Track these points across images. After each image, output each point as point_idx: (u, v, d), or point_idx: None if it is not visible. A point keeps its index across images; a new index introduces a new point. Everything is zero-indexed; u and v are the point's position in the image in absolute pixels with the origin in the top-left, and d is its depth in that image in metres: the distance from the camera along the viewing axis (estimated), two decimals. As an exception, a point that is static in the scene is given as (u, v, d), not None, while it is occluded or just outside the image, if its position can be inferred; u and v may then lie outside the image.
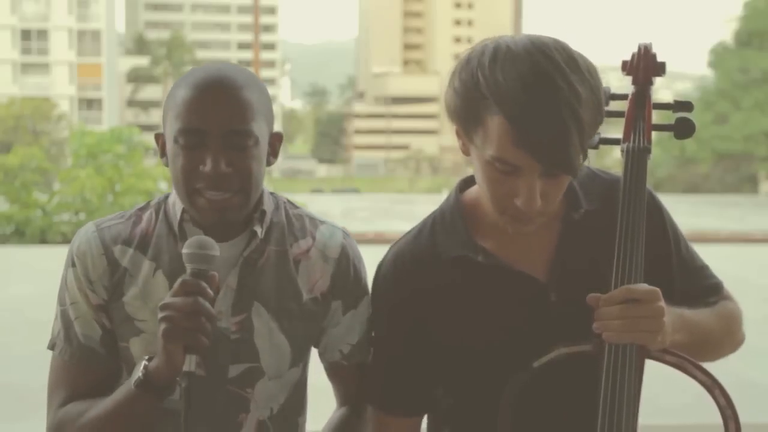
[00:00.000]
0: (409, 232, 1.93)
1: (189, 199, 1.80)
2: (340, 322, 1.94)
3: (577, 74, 1.65)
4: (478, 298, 1.83)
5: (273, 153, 1.88)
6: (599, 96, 1.69)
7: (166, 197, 1.94)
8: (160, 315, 1.66)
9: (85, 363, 1.86)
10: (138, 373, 1.72)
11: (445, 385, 1.90)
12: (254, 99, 1.80)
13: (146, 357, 1.74)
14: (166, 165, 1.85)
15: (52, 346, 1.90)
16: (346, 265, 1.93)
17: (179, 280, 1.68)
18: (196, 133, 1.76)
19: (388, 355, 1.90)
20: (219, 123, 1.76)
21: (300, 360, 1.90)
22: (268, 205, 1.91)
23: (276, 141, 1.88)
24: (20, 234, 26.35)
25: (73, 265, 1.88)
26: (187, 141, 1.77)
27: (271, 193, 1.95)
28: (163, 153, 1.86)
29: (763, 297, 14.33)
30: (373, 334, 1.95)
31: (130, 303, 1.84)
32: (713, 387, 1.72)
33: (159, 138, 1.88)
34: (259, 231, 1.87)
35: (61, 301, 1.89)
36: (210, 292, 1.67)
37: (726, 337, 1.92)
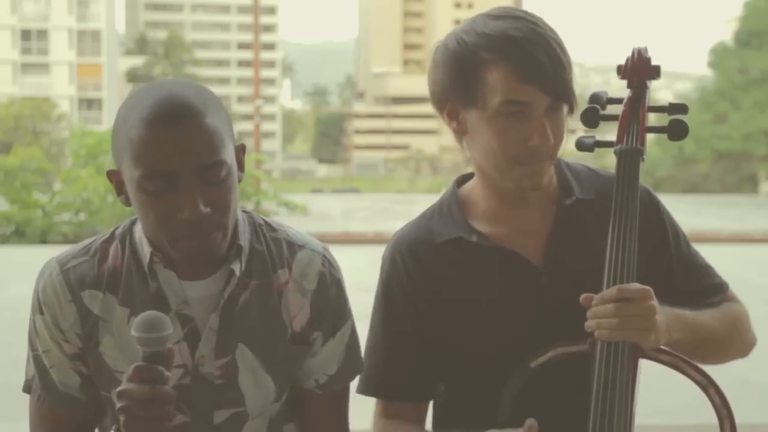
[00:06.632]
0: (410, 221, 1.98)
1: (171, 246, 1.67)
2: (317, 352, 1.83)
3: (548, 25, 1.81)
4: (472, 280, 1.86)
5: (240, 167, 1.73)
6: (567, 52, 1.81)
7: (132, 226, 1.80)
8: (118, 405, 1.55)
9: (66, 409, 1.80)
10: None
11: (442, 374, 1.90)
12: (218, 122, 1.65)
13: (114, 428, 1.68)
14: (126, 204, 1.70)
15: (28, 389, 1.83)
16: (324, 295, 1.82)
17: (132, 366, 1.55)
18: (164, 177, 1.61)
19: (387, 339, 1.91)
20: (189, 161, 1.60)
21: (282, 394, 1.82)
22: (243, 237, 1.77)
23: (240, 153, 1.74)
24: (20, 234, 26.30)
25: (41, 312, 1.77)
26: (157, 187, 1.62)
27: (245, 212, 1.83)
28: (120, 191, 1.71)
29: (763, 297, 14.29)
30: (372, 321, 1.94)
31: (107, 353, 1.76)
32: (708, 386, 1.74)
33: (113, 176, 1.71)
34: (237, 269, 1.74)
35: (33, 346, 1.80)
36: (167, 374, 1.55)
37: (732, 338, 1.92)
